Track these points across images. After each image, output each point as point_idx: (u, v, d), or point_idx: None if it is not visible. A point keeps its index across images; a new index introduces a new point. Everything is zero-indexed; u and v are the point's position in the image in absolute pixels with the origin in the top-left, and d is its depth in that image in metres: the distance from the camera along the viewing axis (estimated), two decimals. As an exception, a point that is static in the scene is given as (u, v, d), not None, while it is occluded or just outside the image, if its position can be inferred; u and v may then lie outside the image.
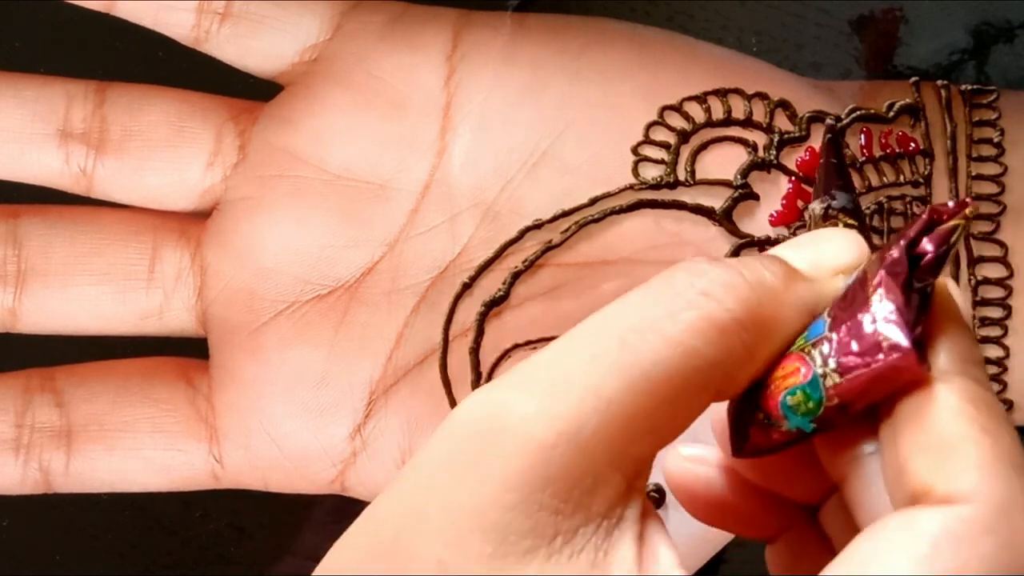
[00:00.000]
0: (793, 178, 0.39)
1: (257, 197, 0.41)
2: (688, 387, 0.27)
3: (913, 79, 0.40)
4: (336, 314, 0.40)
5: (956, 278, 0.39)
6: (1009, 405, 0.39)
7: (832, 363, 0.27)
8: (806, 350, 0.27)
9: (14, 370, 0.42)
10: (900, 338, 0.26)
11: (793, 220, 0.39)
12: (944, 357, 0.27)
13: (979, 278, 0.39)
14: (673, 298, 0.27)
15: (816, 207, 0.30)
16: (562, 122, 0.39)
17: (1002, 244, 0.39)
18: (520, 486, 0.26)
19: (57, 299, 0.41)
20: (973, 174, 0.39)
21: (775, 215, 0.39)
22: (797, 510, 0.30)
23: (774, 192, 0.39)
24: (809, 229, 0.30)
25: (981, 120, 0.39)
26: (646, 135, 0.39)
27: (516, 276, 0.40)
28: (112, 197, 0.41)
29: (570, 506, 0.26)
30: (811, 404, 0.27)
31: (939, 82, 0.40)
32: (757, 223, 0.39)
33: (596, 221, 0.39)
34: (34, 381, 0.41)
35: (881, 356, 0.26)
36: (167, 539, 0.48)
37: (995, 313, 0.39)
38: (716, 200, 0.39)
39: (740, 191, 0.39)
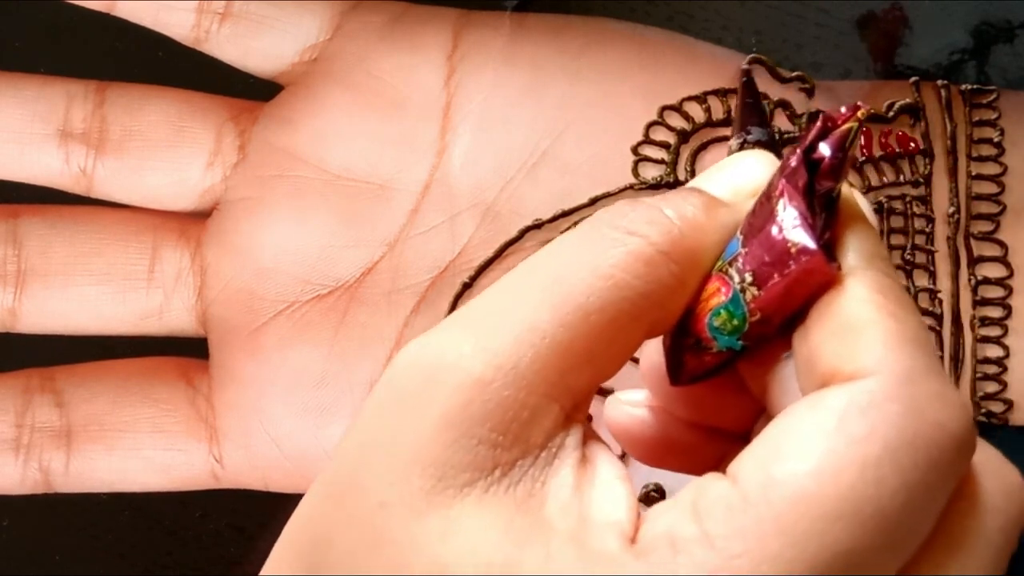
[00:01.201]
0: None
1: (257, 197, 0.41)
2: (621, 319, 0.27)
3: (913, 79, 0.40)
4: (336, 314, 0.40)
5: (956, 278, 0.39)
6: (1009, 405, 0.39)
7: (748, 277, 0.27)
8: (724, 270, 0.28)
9: (14, 370, 0.42)
10: (807, 241, 0.26)
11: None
12: (851, 255, 0.27)
13: (979, 278, 0.39)
14: (600, 239, 0.28)
15: (733, 143, 0.31)
16: (562, 122, 0.39)
17: (1002, 244, 0.39)
18: (459, 422, 0.26)
19: (57, 299, 0.41)
20: (973, 174, 0.39)
21: (775, 215, 0.39)
22: (734, 439, 0.31)
23: (774, 192, 0.39)
24: None
25: (981, 120, 0.39)
26: (646, 135, 0.39)
27: (516, 276, 0.40)
28: (112, 197, 0.41)
29: (508, 439, 0.26)
30: (736, 321, 0.28)
31: (939, 82, 0.40)
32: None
33: (596, 221, 0.39)
34: (34, 381, 0.41)
35: (791, 262, 0.27)
36: (167, 539, 0.48)
37: (995, 313, 0.39)
38: (716, 200, 0.39)
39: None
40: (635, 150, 0.39)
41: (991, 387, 0.39)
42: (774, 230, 0.27)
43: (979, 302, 0.39)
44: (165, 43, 0.41)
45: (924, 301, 0.39)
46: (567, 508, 0.26)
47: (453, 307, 0.40)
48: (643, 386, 0.32)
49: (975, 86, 0.40)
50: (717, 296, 0.28)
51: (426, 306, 0.40)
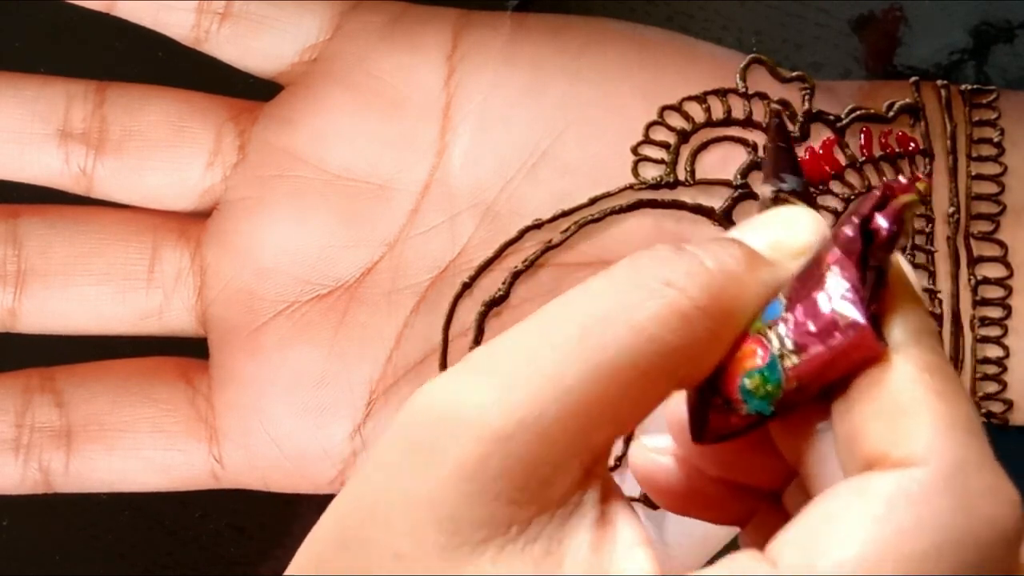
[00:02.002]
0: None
1: (257, 197, 0.41)
2: (651, 375, 0.26)
3: (913, 79, 0.40)
4: (336, 314, 0.40)
5: (956, 278, 0.39)
6: (1009, 405, 0.39)
7: (789, 344, 0.27)
8: (763, 332, 0.27)
9: (14, 370, 0.42)
10: (856, 315, 0.26)
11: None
12: (898, 331, 0.27)
13: (979, 278, 0.39)
14: (636, 287, 0.27)
15: (766, 190, 0.30)
16: (562, 122, 0.39)
17: (1002, 244, 0.39)
18: (476, 476, 0.25)
19: (57, 299, 0.41)
20: (973, 174, 0.39)
21: (775, 215, 0.39)
22: (761, 495, 0.30)
23: (774, 192, 0.39)
24: (761, 210, 0.30)
25: (981, 120, 0.39)
26: (646, 135, 0.39)
27: (516, 276, 0.40)
28: (112, 197, 0.41)
29: (527, 495, 0.25)
30: (770, 387, 0.27)
31: (939, 82, 0.40)
32: (757, 223, 0.39)
33: (596, 221, 0.39)
34: (34, 381, 0.41)
35: (838, 334, 0.26)
36: (167, 539, 0.48)
37: (995, 313, 0.39)
38: (716, 200, 0.39)
39: (740, 191, 0.39)
40: (635, 150, 0.39)
41: (991, 387, 0.39)
42: (822, 299, 0.26)
43: (979, 302, 0.39)
44: (165, 43, 0.41)
45: (934, 312, 0.39)
46: (585, 567, 0.26)
47: (453, 307, 0.40)
48: (667, 432, 0.31)
49: (975, 86, 0.40)
50: (752, 359, 0.27)
51: (426, 306, 0.40)
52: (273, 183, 0.40)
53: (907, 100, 0.39)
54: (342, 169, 0.40)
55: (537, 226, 0.39)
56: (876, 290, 0.27)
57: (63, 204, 0.42)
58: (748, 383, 0.27)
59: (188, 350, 0.42)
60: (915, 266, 0.39)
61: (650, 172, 0.39)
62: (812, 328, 0.26)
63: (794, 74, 0.40)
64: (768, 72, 0.39)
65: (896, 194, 0.27)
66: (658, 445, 0.31)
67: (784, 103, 0.39)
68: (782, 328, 0.27)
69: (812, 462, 0.27)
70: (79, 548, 0.48)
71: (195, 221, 0.41)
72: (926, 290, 0.39)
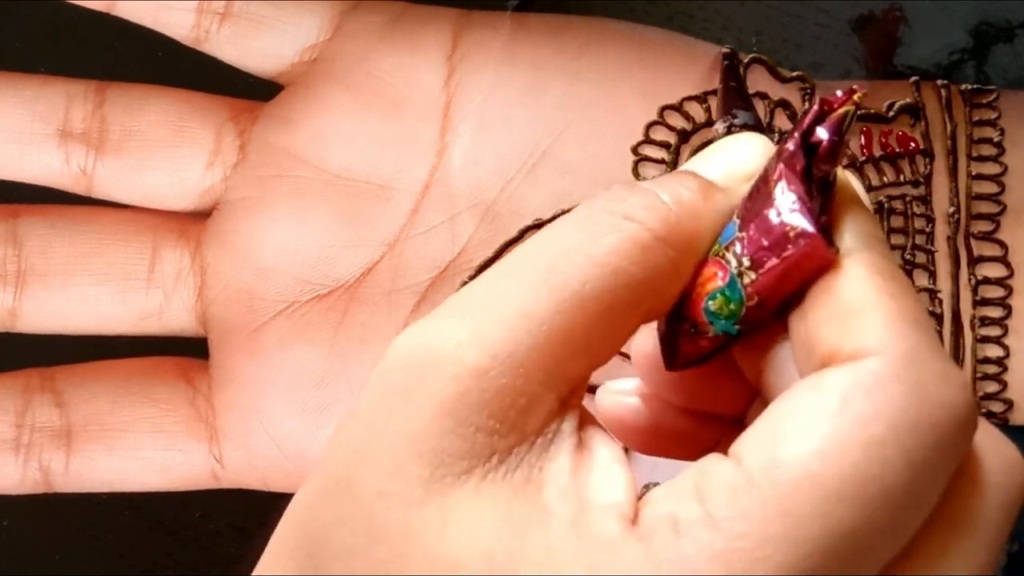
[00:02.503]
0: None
1: (257, 197, 0.41)
2: (618, 305, 0.27)
3: (913, 79, 0.40)
4: (336, 314, 0.40)
5: (956, 278, 0.39)
6: (1009, 405, 0.39)
7: (746, 261, 0.27)
8: (720, 254, 0.28)
9: (14, 370, 0.42)
10: (806, 225, 0.27)
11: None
12: (848, 237, 0.27)
13: (979, 278, 0.39)
14: (596, 224, 0.28)
15: (719, 127, 0.31)
16: (562, 122, 0.39)
17: (1002, 244, 0.39)
18: (456, 410, 0.26)
19: (57, 299, 0.41)
20: (973, 174, 0.39)
21: (775, 215, 0.39)
22: (727, 424, 0.31)
23: (774, 192, 0.39)
24: None
25: (981, 120, 0.39)
26: (646, 135, 0.39)
27: (516, 276, 0.40)
28: (112, 197, 0.41)
29: (505, 427, 0.26)
30: (732, 306, 0.28)
31: (939, 82, 0.40)
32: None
33: (596, 221, 0.39)
34: (34, 381, 0.41)
35: (790, 246, 0.27)
36: (167, 539, 0.48)
37: (995, 313, 0.39)
38: (716, 200, 0.39)
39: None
40: (635, 150, 0.39)
41: (991, 387, 0.39)
42: (772, 214, 0.27)
43: (979, 302, 0.39)
44: (165, 43, 0.41)
45: (924, 301, 0.39)
46: (565, 493, 0.26)
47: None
48: (634, 374, 0.32)
49: (975, 86, 0.40)
50: (714, 281, 0.28)
51: (426, 306, 0.40)
52: (273, 183, 0.41)
53: (907, 100, 0.39)
54: (342, 169, 0.40)
55: (537, 226, 0.39)
56: (824, 201, 0.27)
57: (63, 204, 0.42)
58: (712, 305, 0.28)
59: (188, 350, 0.42)
60: (915, 266, 0.39)
61: (650, 172, 0.39)
62: (765, 243, 0.27)
63: (794, 74, 0.40)
64: (768, 72, 0.40)
65: (834, 107, 0.27)
66: (624, 387, 0.32)
67: (784, 103, 0.39)
68: (738, 247, 0.27)
69: (772, 375, 0.28)
70: (79, 548, 0.48)
71: (195, 221, 0.41)
72: (926, 290, 0.39)
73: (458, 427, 0.26)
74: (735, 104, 0.31)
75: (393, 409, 0.27)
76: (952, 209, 0.39)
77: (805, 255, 0.27)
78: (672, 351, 0.29)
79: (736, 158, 0.29)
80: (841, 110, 0.27)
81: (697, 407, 0.31)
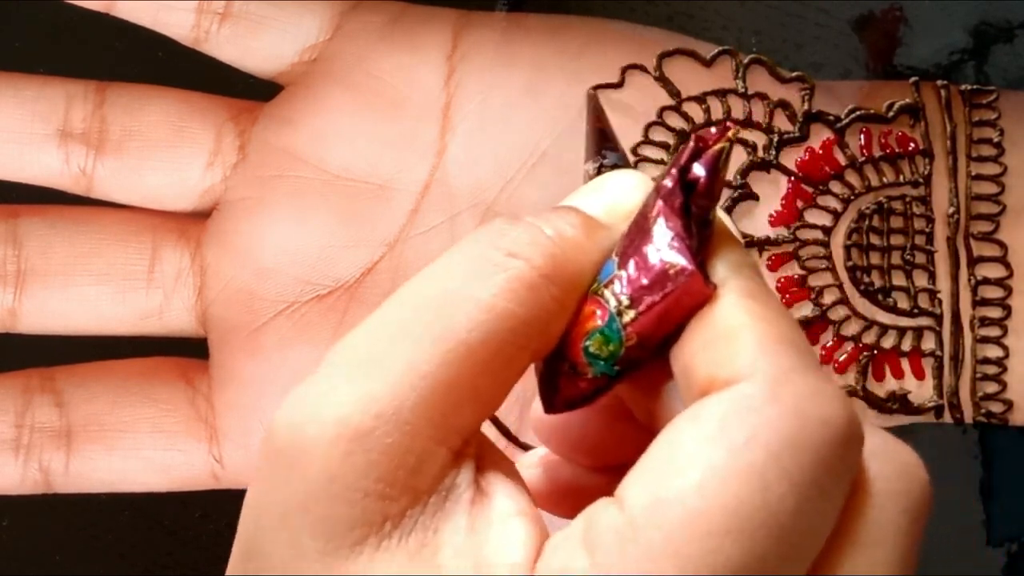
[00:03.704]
0: (792, 178, 0.39)
1: (257, 197, 0.41)
2: (506, 349, 0.26)
3: (913, 79, 0.40)
4: (336, 314, 0.40)
5: (956, 278, 0.39)
6: (1009, 405, 0.39)
7: (625, 299, 0.27)
8: (599, 292, 0.27)
9: (14, 370, 0.42)
10: (684, 262, 0.26)
11: (793, 220, 0.39)
12: (720, 267, 0.27)
13: (979, 278, 0.39)
14: (479, 261, 0.27)
15: (590, 167, 0.31)
16: (562, 122, 0.39)
17: (1002, 244, 0.39)
18: (341, 476, 0.25)
19: (57, 299, 0.41)
20: (973, 174, 0.39)
21: (774, 215, 0.39)
22: None
23: (773, 192, 0.39)
24: None
25: (981, 120, 0.39)
26: (645, 135, 0.39)
27: (516, 276, 0.40)
28: (112, 197, 0.41)
29: (396, 489, 0.25)
30: (612, 346, 0.27)
31: (939, 82, 0.40)
32: (756, 223, 0.39)
33: (596, 221, 0.39)
34: (34, 381, 0.41)
35: (669, 283, 0.27)
36: (167, 539, 0.48)
37: (995, 313, 0.39)
38: (716, 200, 0.39)
39: (739, 191, 0.39)
40: (634, 150, 0.39)
41: (991, 387, 0.39)
42: (651, 251, 0.27)
43: (979, 302, 0.39)
44: (165, 43, 0.41)
45: (924, 301, 0.39)
46: (461, 553, 0.25)
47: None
48: (535, 434, 0.31)
49: (975, 86, 0.40)
50: (592, 320, 0.27)
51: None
52: (273, 183, 0.41)
53: (907, 100, 0.39)
54: (342, 169, 0.40)
55: (537, 226, 0.39)
56: (702, 237, 0.27)
57: (63, 204, 0.42)
58: (591, 345, 0.27)
59: (188, 350, 0.42)
60: (915, 266, 0.39)
61: (650, 172, 0.39)
62: (644, 281, 0.27)
63: (794, 74, 0.40)
64: (768, 72, 0.40)
65: (709, 144, 0.27)
66: (530, 459, 0.31)
67: (784, 103, 0.39)
68: (617, 286, 0.27)
69: (665, 417, 0.27)
70: (79, 548, 0.48)
71: (195, 221, 0.41)
72: (926, 290, 0.39)
73: (345, 493, 0.25)
74: (603, 144, 0.31)
75: (282, 477, 0.26)
76: (952, 209, 0.39)
77: (684, 292, 0.27)
78: (551, 393, 0.29)
79: (616, 194, 0.29)
80: (716, 147, 0.27)
81: (602, 462, 0.30)
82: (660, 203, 0.27)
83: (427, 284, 0.27)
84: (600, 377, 0.28)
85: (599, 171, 0.31)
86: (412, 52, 0.40)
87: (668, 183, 0.27)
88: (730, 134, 0.27)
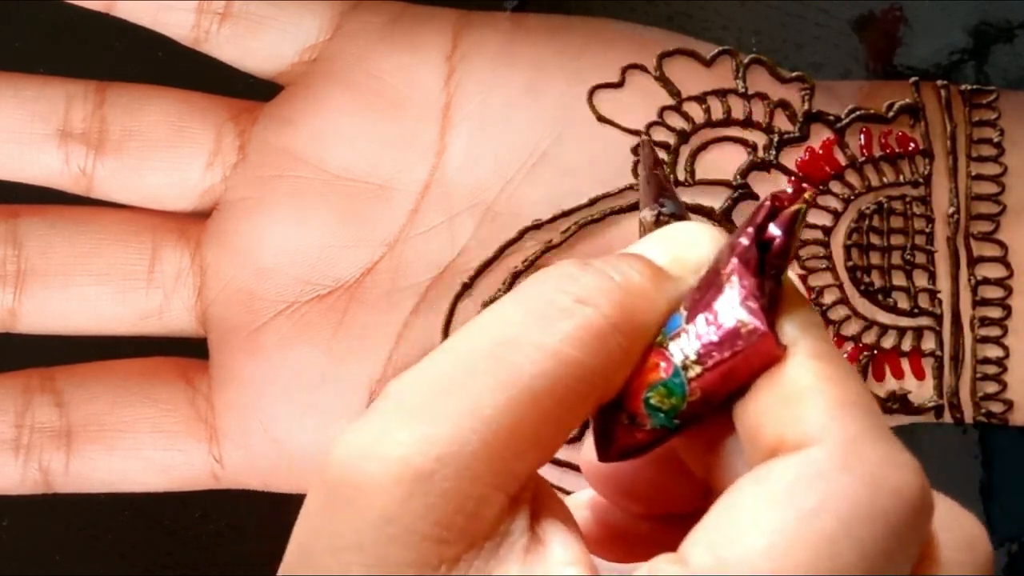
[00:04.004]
0: (793, 178, 0.39)
1: (257, 197, 0.41)
2: (570, 398, 0.26)
3: (913, 79, 0.40)
4: (336, 314, 0.40)
5: (956, 278, 0.39)
6: (1009, 405, 0.39)
7: (692, 355, 0.27)
8: (665, 345, 0.27)
9: (14, 370, 0.42)
10: (758, 322, 0.26)
11: (793, 220, 0.39)
12: (788, 327, 0.27)
13: (979, 278, 0.39)
14: (547, 306, 0.26)
15: (647, 215, 0.31)
16: (562, 122, 0.39)
17: (1002, 244, 0.39)
18: (399, 518, 0.25)
19: (57, 299, 0.41)
20: (973, 174, 0.39)
21: (775, 215, 0.39)
22: (687, 521, 0.29)
23: (774, 192, 0.39)
24: (644, 234, 0.30)
25: (981, 120, 0.39)
26: (648, 135, 0.39)
27: (516, 276, 0.40)
28: (112, 197, 0.41)
29: (453, 533, 0.25)
30: (674, 399, 0.27)
31: (939, 82, 0.40)
32: (757, 223, 0.39)
33: (596, 221, 0.39)
34: (34, 381, 0.41)
35: (740, 342, 0.26)
36: (167, 539, 0.48)
37: (995, 313, 0.39)
38: (716, 200, 0.39)
39: (740, 191, 0.39)
40: (635, 151, 0.39)
41: (991, 387, 0.39)
42: (723, 308, 0.27)
43: (979, 302, 0.39)
44: (165, 43, 0.41)
45: (924, 301, 0.39)
46: None
47: (453, 307, 0.40)
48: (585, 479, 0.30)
49: (975, 86, 0.40)
50: (656, 372, 0.27)
51: (426, 306, 0.40)
52: (273, 183, 0.40)
53: (907, 100, 0.39)
54: (342, 169, 0.40)
55: (537, 226, 0.39)
56: (773, 297, 0.27)
57: (63, 204, 0.42)
58: (652, 397, 0.27)
59: (188, 350, 0.42)
60: (915, 266, 0.39)
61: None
62: (714, 337, 0.27)
63: (794, 74, 0.40)
64: (768, 72, 0.40)
65: (784, 204, 0.27)
66: (578, 500, 0.31)
67: (784, 103, 0.39)
68: (684, 340, 0.27)
69: (721, 470, 0.27)
70: (79, 548, 0.48)
71: (195, 221, 0.41)
72: (926, 290, 0.39)
73: (403, 535, 0.25)
74: (659, 191, 0.31)
75: (337, 513, 0.25)
76: (952, 209, 0.39)
77: (755, 351, 0.26)
78: (606, 442, 0.28)
79: (685, 247, 0.28)
80: (792, 208, 0.27)
81: (652, 510, 0.30)
82: (735, 261, 0.27)
83: (490, 327, 0.27)
84: (659, 429, 0.27)
85: (657, 219, 0.30)
86: (412, 52, 0.40)
87: (744, 241, 0.27)
88: (807, 195, 0.27)
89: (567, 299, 0.26)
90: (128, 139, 0.41)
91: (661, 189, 0.31)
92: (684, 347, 0.27)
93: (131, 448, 0.41)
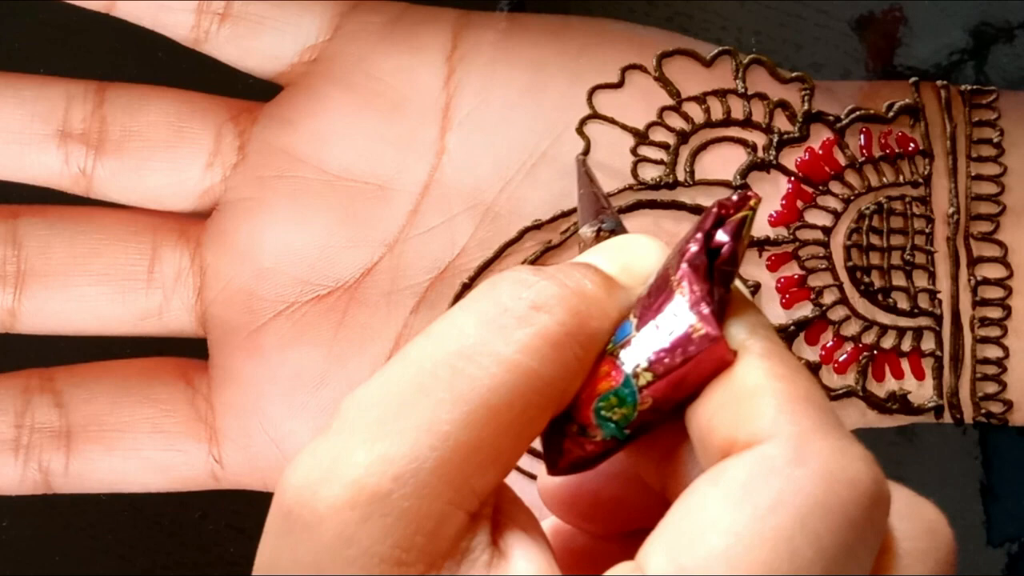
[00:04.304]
0: (792, 178, 0.39)
1: (257, 198, 0.41)
2: (528, 410, 0.26)
3: (913, 79, 0.40)
4: (336, 315, 0.40)
5: (956, 278, 0.39)
6: (1009, 405, 0.39)
7: (643, 362, 0.26)
8: (615, 353, 0.27)
9: (14, 370, 0.42)
10: (710, 327, 0.26)
11: (793, 220, 0.39)
12: (737, 329, 0.27)
13: (979, 278, 0.39)
14: (502, 314, 0.26)
15: (587, 231, 0.31)
16: (561, 123, 0.39)
17: (1002, 244, 0.39)
18: (357, 540, 0.24)
19: (57, 299, 0.41)
20: (973, 174, 0.39)
21: (775, 215, 0.39)
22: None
23: (773, 192, 0.39)
24: (581, 251, 0.30)
25: (981, 120, 0.39)
26: (646, 135, 0.39)
27: (516, 276, 0.40)
28: (112, 197, 0.41)
29: (412, 554, 0.25)
30: (625, 409, 0.27)
31: (939, 82, 0.40)
32: (757, 223, 0.39)
33: (596, 221, 0.39)
34: (34, 381, 0.41)
35: (692, 347, 0.26)
36: (167, 539, 0.48)
37: (995, 313, 0.39)
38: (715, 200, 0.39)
39: (740, 191, 0.39)
40: (634, 151, 0.39)
41: (991, 387, 0.39)
42: (673, 314, 0.27)
43: (979, 302, 0.39)
44: (165, 43, 0.41)
45: (924, 301, 0.39)
46: None
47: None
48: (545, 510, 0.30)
49: (975, 86, 0.40)
50: (606, 381, 0.27)
51: (426, 306, 0.40)
52: (273, 183, 0.41)
53: (907, 100, 0.39)
54: (342, 169, 0.40)
55: (537, 226, 0.39)
56: (722, 303, 0.27)
57: (63, 204, 0.42)
58: (603, 407, 0.27)
59: (188, 350, 0.42)
60: (915, 266, 0.39)
61: (650, 172, 0.39)
62: (665, 344, 0.26)
63: (794, 74, 0.40)
64: (768, 72, 0.40)
65: (731, 211, 0.27)
66: (548, 527, 0.30)
67: (783, 103, 0.39)
68: (634, 347, 0.27)
69: (679, 480, 0.27)
70: (79, 548, 0.48)
71: (195, 221, 0.41)
72: (926, 290, 0.39)
73: (361, 558, 0.24)
74: (597, 208, 0.31)
75: (294, 539, 0.25)
76: (952, 210, 0.39)
77: (706, 357, 0.26)
78: (555, 455, 0.28)
79: (633, 257, 0.28)
80: (739, 215, 0.27)
81: (615, 529, 0.30)
82: (685, 266, 0.27)
83: (444, 337, 0.26)
84: (609, 440, 0.27)
85: (597, 235, 0.31)
86: (412, 52, 0.40)
87: (693, 247, 0.27)
88: (752, 203, 0.27)
89: (522, 305, 0.26)
90: (128, 139, 0.41)
91: (599, 206, 0.31)
92: (634, 355, 0.27)
93: (131, 448, 0.41)
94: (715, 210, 0.27)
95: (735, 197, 0.27)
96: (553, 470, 0.28)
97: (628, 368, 0.27)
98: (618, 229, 0.31)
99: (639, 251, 0.28)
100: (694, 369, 0.26)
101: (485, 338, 0.26)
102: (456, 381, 0.25)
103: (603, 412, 0.27)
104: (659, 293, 0.27)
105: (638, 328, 0.27)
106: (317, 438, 0.26)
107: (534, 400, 0.26)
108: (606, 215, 0.31)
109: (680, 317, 0.26)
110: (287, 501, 0.25)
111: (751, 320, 0.27)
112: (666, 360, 0.26)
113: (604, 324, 0.27)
